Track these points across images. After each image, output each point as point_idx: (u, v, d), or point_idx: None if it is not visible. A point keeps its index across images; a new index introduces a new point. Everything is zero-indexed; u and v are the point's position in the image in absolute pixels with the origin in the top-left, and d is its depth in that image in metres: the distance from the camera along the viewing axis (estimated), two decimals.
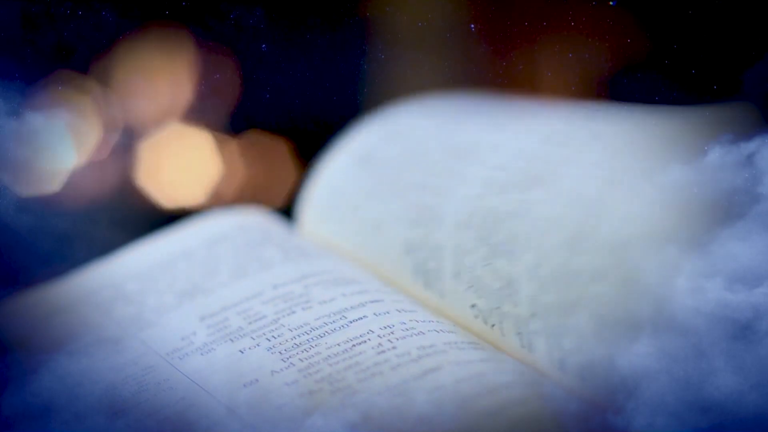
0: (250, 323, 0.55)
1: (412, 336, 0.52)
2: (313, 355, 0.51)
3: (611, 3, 0.63)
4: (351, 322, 0.53)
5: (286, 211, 0.73)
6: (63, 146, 0.68)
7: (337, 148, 0.71)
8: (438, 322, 0.54)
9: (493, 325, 0.54)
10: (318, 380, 0.50)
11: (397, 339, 0.52)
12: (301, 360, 0.51)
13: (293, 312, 0.55)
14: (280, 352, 0.52)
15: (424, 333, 0.52)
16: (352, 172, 0.68)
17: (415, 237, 0.61)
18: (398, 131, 0.70)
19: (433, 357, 0.50)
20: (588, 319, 0.51)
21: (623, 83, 0.67)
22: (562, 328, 0.51)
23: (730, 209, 0.54)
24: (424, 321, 0.54)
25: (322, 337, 0.53)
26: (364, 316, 0.54)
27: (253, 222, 0.68)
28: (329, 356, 0.51)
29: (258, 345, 0.53)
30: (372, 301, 0.55)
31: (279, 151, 0.86)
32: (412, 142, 0.68)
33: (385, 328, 0.53)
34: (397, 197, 0.64)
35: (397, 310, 0.55)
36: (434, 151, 0.65)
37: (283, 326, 0.54)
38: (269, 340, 0.53)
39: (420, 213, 0.61)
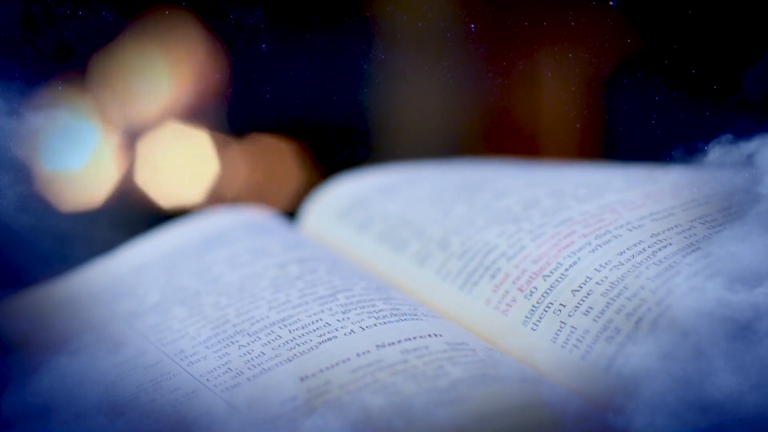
0: (248, 320, 0.55)
1: (412, 339, 0.52)
2: (312, 353, 0.51)
3: (611, 3, 0.63)
4: (350, 321, 0.53)
5: (288, 211, 0.73)
6: (63, 146, 0.68)
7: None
8: (438, 320, 0.54)
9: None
10: (318, 380, 0.49)
11: (398, 340, 0.52)
12: (299, 357, 0.51)
13: (293, 309, 0.55)
14: (279, 350, 0.52)
15: (424, 335, 0.52)
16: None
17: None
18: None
19: (432, 357, 0.50)
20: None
21: (623, 83, 0.67)
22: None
23: (730, 209, 0.54)
24: (423, 320, 0.54)
25: (321, 335, 0.53)
26: (363, 315, 0.54)
27: (254, 219, 0.68)
28: (329, 355, 0.51)
29: (256, 341, 0.53)
30: (371, 300, 0.55)
31: (279, 151, 0.86)
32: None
33: (386, 327, 0.53)
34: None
35: (395, 309, 0.55)
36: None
37: (283, 324, 0.54)
38: (268, 336, 0.53)
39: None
